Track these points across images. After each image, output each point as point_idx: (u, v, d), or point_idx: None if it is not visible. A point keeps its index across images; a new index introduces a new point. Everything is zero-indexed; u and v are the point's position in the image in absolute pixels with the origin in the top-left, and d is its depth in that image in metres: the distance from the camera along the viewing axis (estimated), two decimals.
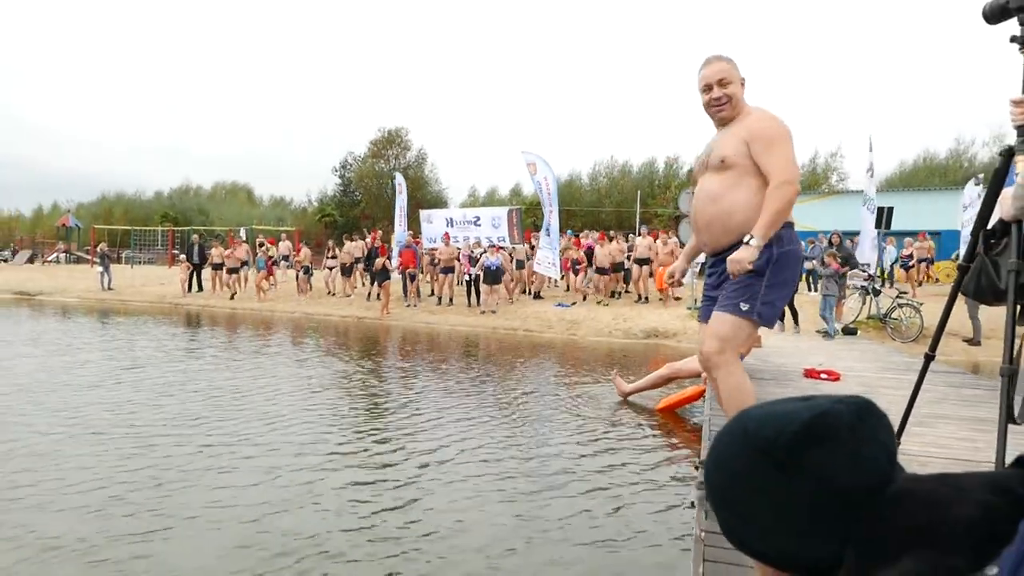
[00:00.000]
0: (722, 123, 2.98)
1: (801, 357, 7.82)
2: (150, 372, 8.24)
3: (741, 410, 0.80)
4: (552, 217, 16.06)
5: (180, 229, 38.89)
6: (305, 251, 20.21)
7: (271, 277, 20.10)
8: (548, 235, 16.10)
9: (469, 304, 16.44)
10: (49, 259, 37.02)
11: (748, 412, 0.78)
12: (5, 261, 38.25)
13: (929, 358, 2.92)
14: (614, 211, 39.97)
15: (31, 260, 37.06)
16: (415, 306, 16.78)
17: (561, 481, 4.51)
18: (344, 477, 4.50)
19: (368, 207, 47.69)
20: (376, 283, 16.95)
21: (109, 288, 21.57)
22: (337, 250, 19.44)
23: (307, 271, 19.30)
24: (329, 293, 18.97)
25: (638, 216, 31.77)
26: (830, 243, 14.04)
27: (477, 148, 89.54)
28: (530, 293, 17.50)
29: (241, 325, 14.67)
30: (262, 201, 62.83)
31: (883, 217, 12.40)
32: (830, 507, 0.69)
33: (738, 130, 2.87)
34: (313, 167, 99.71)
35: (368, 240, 19.24)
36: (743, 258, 2.70)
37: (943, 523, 0.64)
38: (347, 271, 18.85)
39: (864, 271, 13.14)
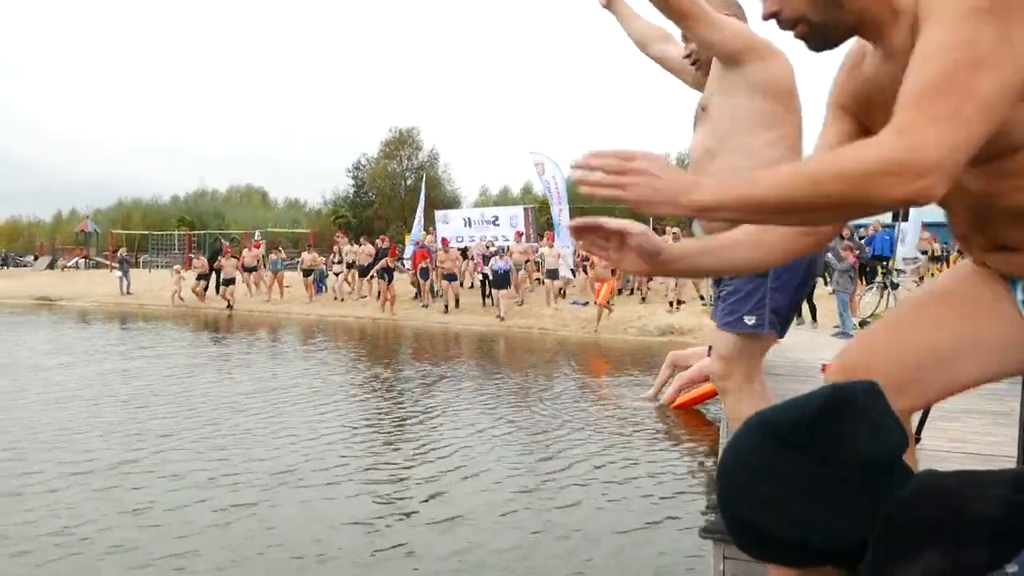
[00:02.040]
0: None
1: (819, 352, 7.77)
2: (188, 384, 8.25)
3: (751, 419, 0.80)
4: (563, 216, 16.06)
5: (197, 233, 39.24)
6: (311, 255, 20.03)
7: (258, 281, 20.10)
8: (559, 234, 16.10)
9: (484, 304, 16.45)
10: (68, 264, 37.50)
11: (758, 413, 0.79)
12: (24, 266, 38.83)
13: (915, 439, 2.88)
14: (627, 209, 39.90)
15: (51, 266, 37.55)
16: (428, 306, 16.84)
17: (580, 479, 4.53)
18: (421, 515, 3.93)
19: (381, 207, 47.90)
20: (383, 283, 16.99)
21: (128, 292, 21.81)
22: (342, 253, 19.39)
23: (309, 274, 19.15)
24: (336, 299, 18.70)
25: None
26: (841, 236, 13.91)
27: (487, 147, 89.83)
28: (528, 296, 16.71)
29: (260, 329, 14.80)
30: (277, 203, 63.33)
31: (900, 209, 12.28)
32: (852, 478, 0.71)
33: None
34: (326, 169, 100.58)
35: (369, 246, 19.06)
36: None
37: (963, 519, 0.65)
38: (364, 271, 18.71)
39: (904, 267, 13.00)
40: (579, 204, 37.33)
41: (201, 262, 20.54)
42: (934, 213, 17.46)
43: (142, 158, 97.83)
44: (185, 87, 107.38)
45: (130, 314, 18.27)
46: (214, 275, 20.13)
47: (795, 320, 11.48)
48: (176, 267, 21.50)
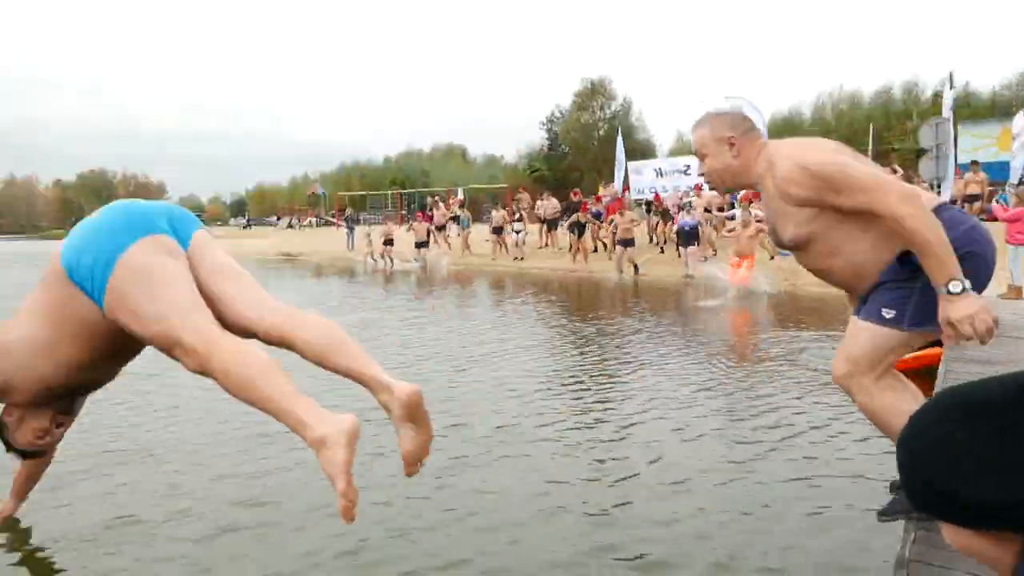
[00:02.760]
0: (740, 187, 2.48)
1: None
2: (410, 337, 9.11)
3: (943, 390, 0.88)
4: None
5: (406, 192, 42.49)
6: (500, 213, 20.58)
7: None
8: None
9: (678, 255, 16.12)
10: (303, 224, 42.66)
11: (950, 389, 0.88)
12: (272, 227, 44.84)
13: None
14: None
15: (290, 225, 42.95)
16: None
17: (795, 449, 4.31)
18: (642, 478, 3.92)
19: (575, 160, 48.20)
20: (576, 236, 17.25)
21: (353, 248, 24.40)
22: (523, 212, 19.84)
23: (499, 231, 19.76)
24: (516, 259, 18.86)
25: (871, 152, 28.57)
26: None
27: (684, 89, 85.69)
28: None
29: (461, 284, 15.90)
30: (476, 160, 66.23)
31: None
32: None
33: (778, 196, 2.16)
34: (522, 123, 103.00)
35: (555, 200, 19.42)
36: (966, 315, 1.89)
37: None
38: (552, 225, 19.32)
39: None
40: None
41: (387, 227, 21.99)
42: None
43: (359, 123, 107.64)
44: (388, 55, 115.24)
45: (357, 269, 20.48)
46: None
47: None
48: (367, 230, 22.66)
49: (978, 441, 0.81)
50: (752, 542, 3.19)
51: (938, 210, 2.05)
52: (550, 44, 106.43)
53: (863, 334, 2.15)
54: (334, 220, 37.29)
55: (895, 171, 14.66)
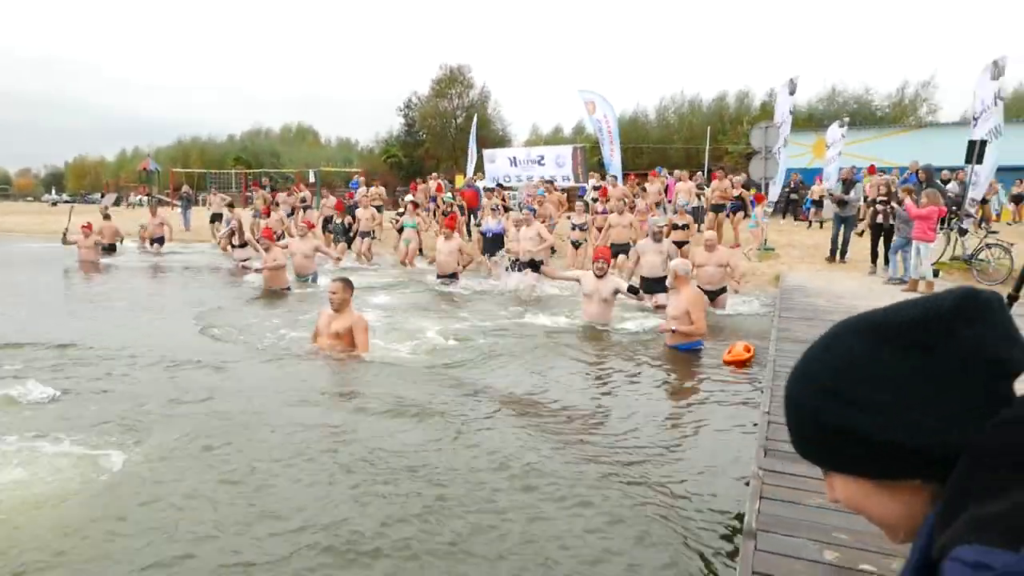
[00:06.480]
0: None
1: (873, 299, 7.53)
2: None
3: (843, 320, 0.71)
4: (615, 157, 15.71)
5: (253, 172, 39.96)
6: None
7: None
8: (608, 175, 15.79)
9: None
10: (133, 201, 38.87)
11: (862, 315, 0.71)
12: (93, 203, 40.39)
13: (1012, 299, 2.83)
14: (683, 148, 38.73)
15: (117, 203, 38.95)
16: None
17: (626, 425, 4.52)
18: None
19: (432, 147, 47.67)
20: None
21: (189, 229, 22.45)
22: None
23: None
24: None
25: (707, 153, 30.68)
26: (918, 178, 13.17)
27: (540, 84, 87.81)
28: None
29: None
30: (329, 142, 63.73)
31: (975, 152, 11.42)
32: (977, 384, 0.63)
33: None
34: (378, 107, 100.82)
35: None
36: None
37: None
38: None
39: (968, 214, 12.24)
40: (631, 144, 36.36)
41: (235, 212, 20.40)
42: (1009, 157, 16.43)
43: (198, 98, 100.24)
44: (238, 28, 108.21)
45: (191, 251, 18.86)
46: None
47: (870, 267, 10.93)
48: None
49: (902, 365, 0.65)
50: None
51: None
52: (407, 28, 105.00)
53: None
54: (168, 199, 34.32)
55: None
